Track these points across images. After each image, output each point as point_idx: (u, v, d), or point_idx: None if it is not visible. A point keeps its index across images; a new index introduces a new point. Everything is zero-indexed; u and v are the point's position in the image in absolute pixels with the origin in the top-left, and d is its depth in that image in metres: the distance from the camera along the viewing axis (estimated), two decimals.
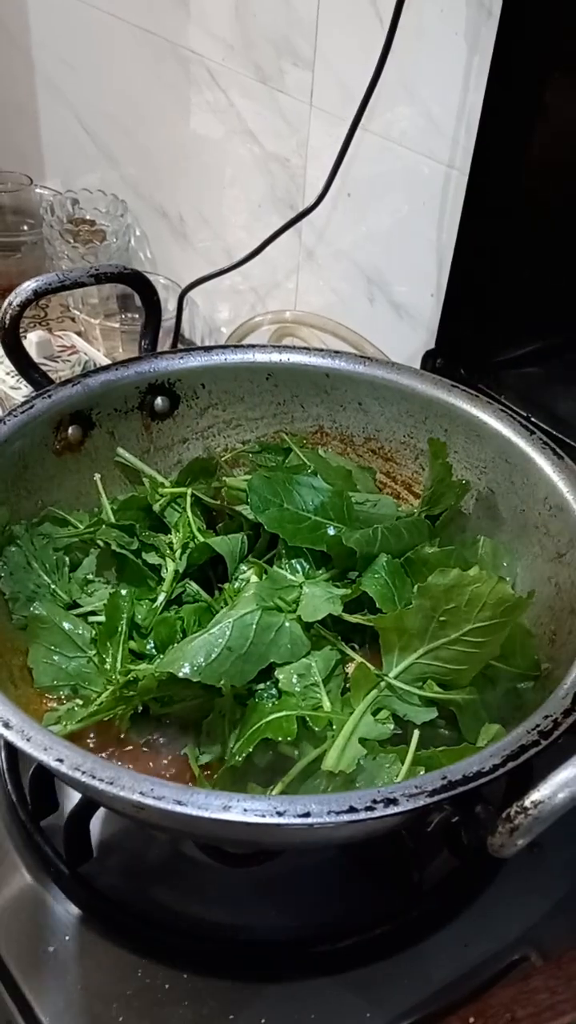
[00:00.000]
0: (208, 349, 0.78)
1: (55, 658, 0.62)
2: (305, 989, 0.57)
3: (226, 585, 0.67)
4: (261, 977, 0.58)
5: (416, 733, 0.57)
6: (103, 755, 0.59)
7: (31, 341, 1.08)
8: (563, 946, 0.59)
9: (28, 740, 0.47)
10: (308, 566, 0.66)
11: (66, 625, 0.62)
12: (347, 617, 0.63)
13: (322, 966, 0.58)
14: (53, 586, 0.66)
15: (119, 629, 0.62)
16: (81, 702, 0.60)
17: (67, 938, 0.59)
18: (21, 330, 0.71)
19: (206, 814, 0.44)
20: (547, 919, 0.61)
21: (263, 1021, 0.56)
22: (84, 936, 0.59)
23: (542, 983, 0.53)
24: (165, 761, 0.60)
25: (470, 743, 0.57)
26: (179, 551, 0.67)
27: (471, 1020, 0.52)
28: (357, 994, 0.57)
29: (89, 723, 0.59)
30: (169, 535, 0.70)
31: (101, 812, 0.63)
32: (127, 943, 0.59)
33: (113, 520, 0.70)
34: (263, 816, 0.44)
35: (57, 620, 0.62)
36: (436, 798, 0.45)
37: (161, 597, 0.65)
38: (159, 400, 0.76)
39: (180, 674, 0.56)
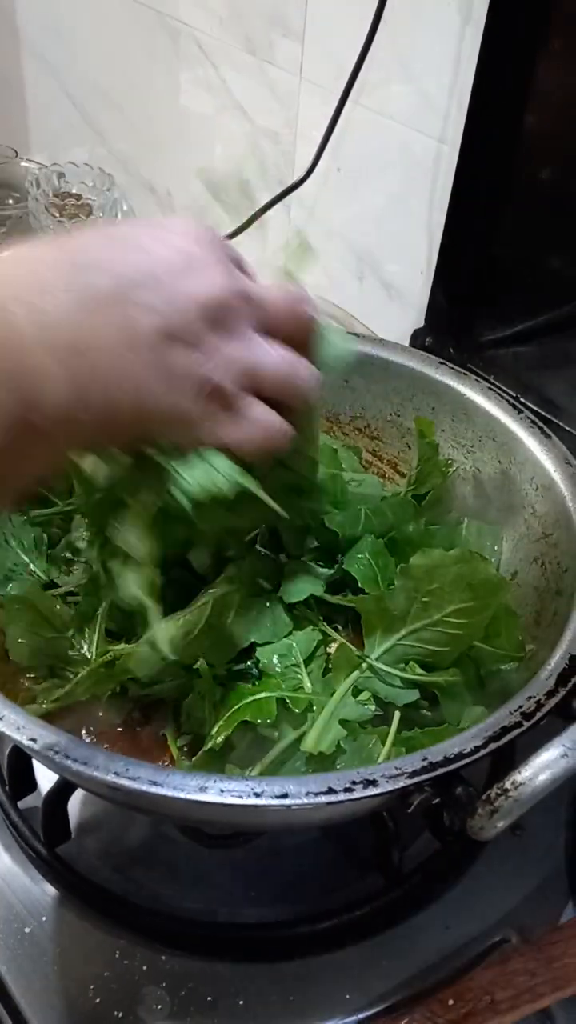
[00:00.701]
0: None
1: (32, 638, 0.60)
2: (285, 970, 0.57)
3: None
4: (240, 958, 0.57)
5: (397, 715, 0.56)
6: (80, 735, 0.58)
7: None
8: (543, 929, 0.59)
9: (1, 718, 0.46)
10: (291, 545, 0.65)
11: (43, 605, 0.61)
12: (329, 598, 0.62)
13: (302, 947, 0.58)
14: (31, 565, 0.65)
15: (97, 609, 0.61)
16: (59, 682, 0.59)
17: (44, 919, 0.58)
18: None
19: (182, 795, 0.43)
20: (527, 901, 0.61)
21: (242, 1002, 0.55)
22: (61, 917, 0.59)
23: (522, 965, 0.53)
24: (144, 742, 0.59)
25: (452, 725, 0.56)
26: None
27: (450, 1002, 0.52)
28: (337, 975, 0.57)
29: (66, 703, 0.58)
30: None
31: (79, 793, 0.63)
32: (105, 924, 0.58)
33: None
34: (240, 797, 0.43)
35: (34, 599, 0.61)
36: (416, 779, 0.44)
37: None
38: None
39: None
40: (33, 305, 0.39)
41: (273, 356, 0.46)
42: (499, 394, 0.70)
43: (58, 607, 0.61)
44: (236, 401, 0.45)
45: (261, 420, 0.46)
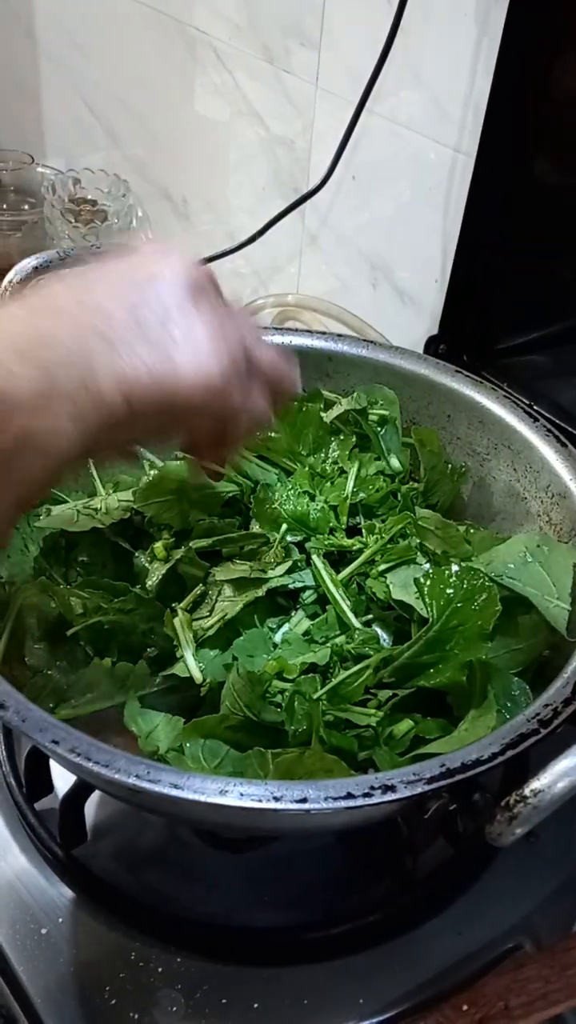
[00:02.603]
0: None
1: (48, 645, 0.61)
2: (298, 975, 0.57)
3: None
4: (254, 962, 0.58)
5: None
6: (100, 737, 0.59)
7: None
8: (557, 935, 0.59)
9: (24, 720, 0.47)
10: None
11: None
12: None
13: (316, 952, 0.58)
14: (50, 569, 0.65)
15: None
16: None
17: (60, 920, 0.59)
18: None
19: (203, 798, 0.44)
20: (541, 907, 0.61)
21: (256, 1006, 0.56)
22: (77, 918, 0.59)
23: (536, 972, 0.53)
24: None
25: (469, 731, 0.56)
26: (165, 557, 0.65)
27: (464, 1008, 0.52)
28: (350, 980, 0.57)
29: (85, 712, 0.58)
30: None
31: (96, 794, 0.63)
32: (120, 926, 0.59)
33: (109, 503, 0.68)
34: (260, 801, 0.44)
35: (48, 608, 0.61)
36: (434, 786, 0.45)
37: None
38: None
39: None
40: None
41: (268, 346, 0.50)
42: (514, 402, 0.71)
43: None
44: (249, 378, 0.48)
45: (262, 403, 0.49)
